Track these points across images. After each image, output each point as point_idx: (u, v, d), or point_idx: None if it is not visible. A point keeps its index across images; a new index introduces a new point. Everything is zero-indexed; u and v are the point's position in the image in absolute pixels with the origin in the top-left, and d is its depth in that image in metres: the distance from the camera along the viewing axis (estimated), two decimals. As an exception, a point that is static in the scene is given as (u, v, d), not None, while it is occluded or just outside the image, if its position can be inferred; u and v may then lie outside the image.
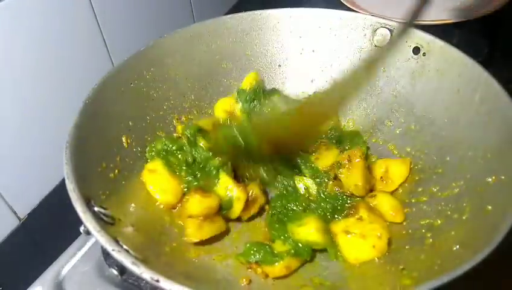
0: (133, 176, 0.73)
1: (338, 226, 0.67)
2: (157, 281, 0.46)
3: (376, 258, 0.64)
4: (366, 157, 0.80)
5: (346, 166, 0.71)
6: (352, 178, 0.71)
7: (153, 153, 0.77)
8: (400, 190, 0.75)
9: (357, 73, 0.66)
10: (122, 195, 0.68)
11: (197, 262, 0.66)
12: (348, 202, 0.71)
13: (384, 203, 0.70)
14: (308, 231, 0.66)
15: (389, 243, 0.64)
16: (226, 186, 0.73)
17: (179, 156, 0.77)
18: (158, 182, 0.73)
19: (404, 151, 0.80)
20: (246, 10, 0.91)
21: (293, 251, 0.65)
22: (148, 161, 0.77)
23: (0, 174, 0.83)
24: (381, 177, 0.76)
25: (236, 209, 0.72)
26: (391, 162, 0.77)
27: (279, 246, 0.66)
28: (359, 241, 0.64)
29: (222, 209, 0.72)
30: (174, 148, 0.77)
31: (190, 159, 0.76)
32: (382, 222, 0.66)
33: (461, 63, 0.73)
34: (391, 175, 0.76)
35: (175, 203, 0.73)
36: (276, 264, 0.64)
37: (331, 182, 0.73)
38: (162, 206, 0.72)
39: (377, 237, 0.63)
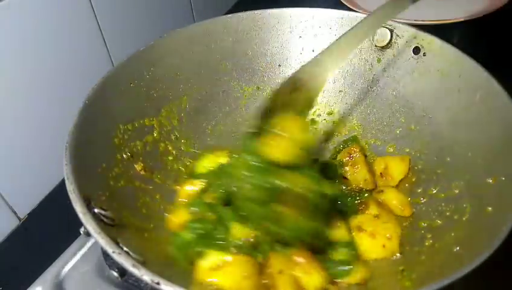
0: (134, 177, 0.73)
1: (353, 222, 0.67)
2: (158, 283, 0.45)
3: (376, 259, 0.64)
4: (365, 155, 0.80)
5: (350, 163, 0.71)
6: (360, 173, 0.71)
7: (197, 248, 0.63)
8: (400, 191, 0.75)
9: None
10: (122, 196, 0.67)
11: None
12: (357, 198, 0.71)
13: (392, 198, 0.71)
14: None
15: (401, 244, 0.64)
16: None
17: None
18: (232, 277, 0.59)
19: (403, 152, 0.80)
20: (246, 10, 0.91)
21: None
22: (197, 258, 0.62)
23: (0, 175, 0.83)
24: (381, 174, 0.76)
25: None
26: (390, 159, 0.78)
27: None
28: (370, 240, 0.64)
29: None
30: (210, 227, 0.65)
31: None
32: (395, 222, 0.67)
33: (461, 63, 0.73)
34: (391, 172, 0.76)
35: None
36: None
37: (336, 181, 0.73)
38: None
39: (386, 237, 0.64)
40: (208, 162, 0.81)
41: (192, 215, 0.68)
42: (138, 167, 0.75)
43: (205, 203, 0.70)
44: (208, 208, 0.68)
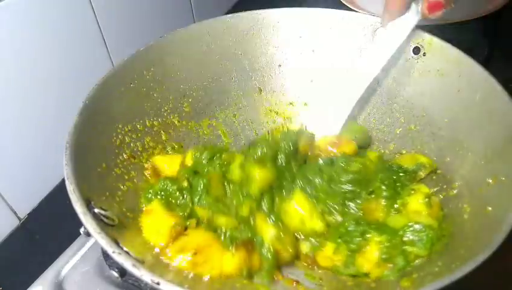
0: (134, 177, 0.73)
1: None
2: (158, 283, 0.45)
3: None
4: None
5: None
6: None
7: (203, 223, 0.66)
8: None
9: None
10: (123, 196, 0.67)
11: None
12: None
13: None
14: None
15: None
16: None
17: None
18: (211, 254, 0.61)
19: (403, 152, 0.80)
20: (246, 10, 0.91)
21: None
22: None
23: (0, 175, 0.83)
24: None
25: None
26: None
27: None
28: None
29: None
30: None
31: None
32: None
33: (461, 63, 0.73)
34: None
35: None
36: None
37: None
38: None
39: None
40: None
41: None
42: (146, 170, 0.75)
43: (191, 171, 0.72)
44: (192, 174, 0.71)
